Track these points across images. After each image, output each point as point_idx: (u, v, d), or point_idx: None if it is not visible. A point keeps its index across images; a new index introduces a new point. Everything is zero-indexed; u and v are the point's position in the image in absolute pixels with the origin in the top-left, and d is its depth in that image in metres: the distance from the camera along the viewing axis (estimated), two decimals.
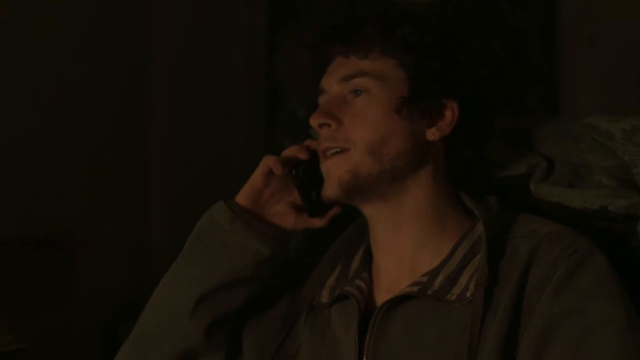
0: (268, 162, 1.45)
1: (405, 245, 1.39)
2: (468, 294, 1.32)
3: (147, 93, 3.86)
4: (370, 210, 1.41)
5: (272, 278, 1.50)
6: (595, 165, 1.43)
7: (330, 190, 1.39)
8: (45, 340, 2.75)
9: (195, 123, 3.91)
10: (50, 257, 3.40)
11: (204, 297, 1.43)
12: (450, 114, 1.38)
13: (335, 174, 1.38)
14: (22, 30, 3.35)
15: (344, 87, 1.39)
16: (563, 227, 1.36)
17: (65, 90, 3.51)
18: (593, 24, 3.69)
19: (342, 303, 1.43)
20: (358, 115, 1.37)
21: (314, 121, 1.39)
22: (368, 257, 1.46)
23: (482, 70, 1.39)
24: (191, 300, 1.44)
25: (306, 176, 1.43)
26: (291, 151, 1.46)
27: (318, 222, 1.46)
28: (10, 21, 3.32)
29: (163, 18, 3.88)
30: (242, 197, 1.47)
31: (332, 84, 1.40)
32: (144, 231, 3.78)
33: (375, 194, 1.38)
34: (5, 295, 3.04)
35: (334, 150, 1.39)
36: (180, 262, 1.48)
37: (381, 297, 1.40)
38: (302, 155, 1.44)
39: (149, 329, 1.48)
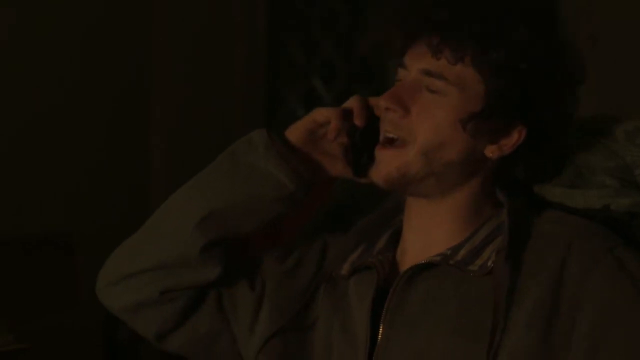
0: (334, 117, 1.40)
1: (437, 233, 1.40)
2: (489, 263, 1.33)
3: (147, 93, 3.86)
4: (411, 199, 1.41)
5: (306, 239, 1.48)
6: (598, 166, 1.43)
7: (376, 178, 1.38)
8: (45, 340, 2.76)
9: (195, 123, 3.91)
10: (50, 257, 3.40)
11: (213, 212, 1.41)
12: (517, 135, 1.35)
13: (384, 168, 1.36)
14: (22, 30, 3.35)
15: (423, 79, 1.35)
16: (590, 221, 1.37)
17: (65, 90, 3.51)
18: (593, 24, 3.69)
19: (361, 274, 1.43)
20: (427, 111, 1.35)
21: (383, 102, 1.36)
22: (393, 241, 1.45)
23: (569, 101, 1.37)
24: (201, 211, 1.42)
25: (362, 138, 1.40)
26: (353, 105, 1.41)
27: (363, 179, 1.43)
28: (11, 21, 3.32)
29: (163, 18, 3.88)
30: (295, 130, 1.43)
31: (412, 69, 1.37)
32: None
33: (419, 191, 1.38)
34: (5, 295, 3.04)
35: (391, 136, 1.37)
36: (206, 171, 1.47)
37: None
38: (359, 122, 1.41)
39: (153, 227, 1.50)
